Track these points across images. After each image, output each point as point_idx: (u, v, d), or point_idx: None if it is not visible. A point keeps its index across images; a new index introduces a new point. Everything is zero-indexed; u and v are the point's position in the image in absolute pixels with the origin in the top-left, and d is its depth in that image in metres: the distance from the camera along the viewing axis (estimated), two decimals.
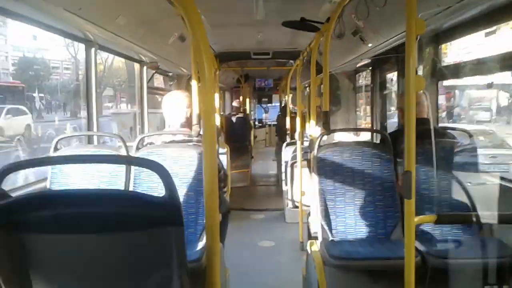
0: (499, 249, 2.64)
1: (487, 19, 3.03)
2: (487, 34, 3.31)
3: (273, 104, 16.40)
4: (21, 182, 3.24)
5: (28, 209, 1.38)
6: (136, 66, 5.04)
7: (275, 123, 11.08)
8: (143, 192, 2.82)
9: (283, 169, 6.74)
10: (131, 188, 2.96)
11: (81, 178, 3.10)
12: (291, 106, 9.62)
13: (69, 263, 1.44)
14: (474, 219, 2.56)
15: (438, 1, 2.63)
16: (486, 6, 2.77)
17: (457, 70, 3.69)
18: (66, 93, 20.90)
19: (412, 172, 1.88)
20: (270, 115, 15.86)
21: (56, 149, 3.19)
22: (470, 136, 3.17)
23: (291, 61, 7.67)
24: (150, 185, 2.90)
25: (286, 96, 10.07)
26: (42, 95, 19.73)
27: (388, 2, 2.84)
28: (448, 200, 3.03)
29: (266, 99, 16.66)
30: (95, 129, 3.70)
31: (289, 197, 6.11)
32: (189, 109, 3.19)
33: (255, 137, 13.99)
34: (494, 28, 3.27)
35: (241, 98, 12.58)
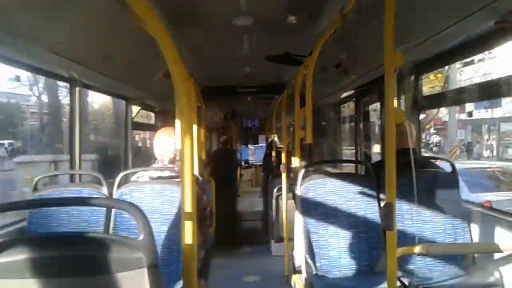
0: (482, 277, 2.61)
1: (465, 49, 3.10)
2: (464, 64, 3.38)
3: (259, 145, 16.46)
4: None
5: (3, 254, 1.34)
6: (122, 102, 5.04)
7: (261, 163, 11.12)
8: (123, 230, 2.78)
9: (269, 202, 6.72)
10: (111, 227, 2.91)
11: (61, 219, 3.04)
12: (277, 142, 9.68)
13: None
14: (458, 250, 2.55)
15: (415, 34, 2.69)
16: (463, 38, 2.84)
17: (437, 100, 3.74)
18: (39, 138, 20.47)
19: (393, 203, 1.87)
20: (256, 157, 15.91)
21: (36, 189, 3.14)
22: (452, 165, 3.19)
23: (277, 96, 7.74)
24: (130, 223, 2.85)
25: (273, 134, 10.12)
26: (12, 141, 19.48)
27: (367, 36, 2.90)
28: (432, 230, 3.01)
29: (253, 140, 16.76)
30: (77, 167, 3.66)
31: (275, 229, 6.06)
32: (174, 145, 3.19)
33: (241, 175, 13.97)
34: (472, 58, 3.34)
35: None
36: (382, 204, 2.98)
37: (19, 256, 1.35)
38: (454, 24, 2.43)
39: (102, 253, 1.38)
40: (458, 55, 3.22)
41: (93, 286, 1.39)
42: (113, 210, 2.95)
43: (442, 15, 2.45)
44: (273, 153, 7.96)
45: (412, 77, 3.85)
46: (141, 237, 1.39)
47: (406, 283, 2.63)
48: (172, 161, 3.23)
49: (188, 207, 1.47)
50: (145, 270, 1.39)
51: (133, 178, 3.32)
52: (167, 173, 3.17)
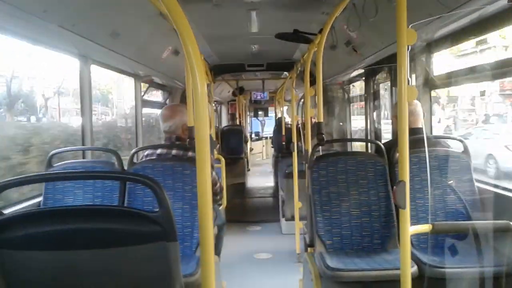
0: (494, 257, 2.63)
1: (478, 28, 3.06)
2: (477, 43, 3.34)
3: (269, 117, 16.42)
4: None
5: (19, 227, 1.38)
6: (131, 80, 5.05)
7: (272, 135, 11.13)
8: (137, 206, 2.82)
9: (279, 181, 6.74)
10: (125, 202, 2.95)
11: (75, 193, 3.10)
12: (286, 117, 9.67)
13: (62, 280, 1.44)
14: (469, 228, 2.57)
15: (428, 11, 2.66)
16: (477, 15, 2.80)
17: (449, 79, 3.71)
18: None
19: (406, 182, 1.89)
20: (267, 128, 15.88)
21: (50, 164, 3.18)
22: (464, 144, 3.19)
23: (286, 72, 7.71)
24: (144, 199, 2.90)
25: (282, 108, 10.10)
26: None
27: (379, 13, 2.87)
28: (443, 209, 3.03)
29: (262, 112, 16.68)
30: (89, 144, 3.70)
31: (286, 208, 6.10)
32: (182, 121, 3.20)
33: (251, 149, 14.01)
34: (485, 36, 3.30)
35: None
36: (394, 182, 3.02)
37: (39, 228, 1.37)
38: (468, 2, 2.40)
39: (122, 225, 1.40)
40: (471, 33, 3.18)
41: (112, 258, 1.42)
42: (127, 186, 2.99)
43: None
44: (283, 131, 7.94)
45: (424, 56, 3.82)
46: (160, 210, 1.41)
47: (418, 262, 2.66)
48: (179, 138, 3.25)
49: (204, 185, 1.48)
50: (164, 243, 1.42)
51: (141, 156, 3.35)
52: (174, 151, 3.20)
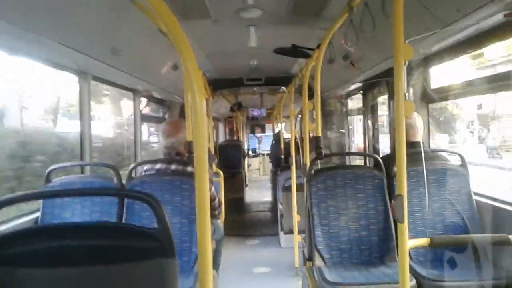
0: (493, 271, 2.63)
1: (475, 42, 3.09)
2: (474, 57, 3.37)
3: (266, 134, 16.44)
4: None
5: (17, 244, 1.38)
6: (130, 95, 5.07)
7: (269, 152, 11.14)
8: (135, 221, 2.82)
9: (278, 194, 6.74)
10: (124, 217, 2.95)
11: (74, 208, 3.09)
12: (284, 133, 9.70)
13: None
14: (468, 241, 2.56)
15: (425, 26, 2.69)
16: (473, 30, 2.83)
17: (446, 93, 3.74)
18: None
19: (404, 195, 1.89)
20: (264, 145, 15.91)
21: (48, 179, 3.18)
22: (462, 158, 3.20)
23: (283, 87, 7.75)
24: (142, 213, 2.89)
25: (280, 124, 10.14)
26: None
27: (376, 28, 2.90)
28: (442, 222, 3.03)
29: (259, 129, 16.72)
30: (87, 159, 3.70)
31: (284, 222, 6.09)
32: (184, 137, 3.21)
33: (248, 165, 14.01)
34: (482, 50, 3.33)
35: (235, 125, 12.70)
36: (392, 196, 3.02)
37: (36, 245, 1.37)
38: (464, 17, 2.43)
39: (120, 242, 1.40)
40: (468, 48, 3.21)
41: (110, 274, 1.42)
42: (125, 201, 2.99)
43: (452, 7, 2.45)
44: (281, 145, 7.96)
45: (421, 70, 3.85)
46: (158, 226, 1.41)
47: (417, 276, 2.65)
48: (179, 153, 3.26)
49: (202, 200, 1.49)
50: (163, 259, 1.42)
51: (140, 171, 3.35)
52: (173, 166, 3.20)
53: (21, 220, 3.04)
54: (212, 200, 3.13)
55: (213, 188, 3.20)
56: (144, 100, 5.43)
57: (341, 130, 7.11)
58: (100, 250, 1.40)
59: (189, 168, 3.11)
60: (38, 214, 3.12)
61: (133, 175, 3.22)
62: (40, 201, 3.12)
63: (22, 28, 2.33)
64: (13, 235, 1.41)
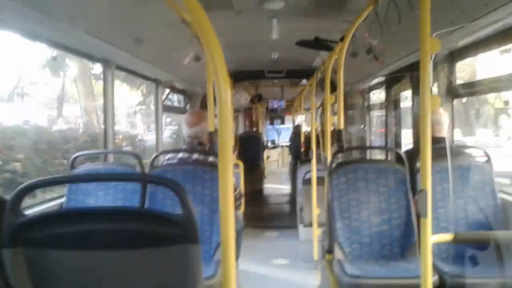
0: None
1: (502, 37, 3.04)
2: (502, 52, 3.31)
3: (285, 125, 16.36)
4: None
5: (43, 227, 1.41)
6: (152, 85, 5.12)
7: (288, 144, 11.10)
8: (157, 209, 2.86)
9: (297, 187, 6.74)
10: (146, 205, 2.99)
11: (97, 195, 3.15)
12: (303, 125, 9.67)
13: (84, 280, 1.46)
14: (491, 238, 2.53)
15: (452, 20, 2.65)
16: (501, 24, 2.78)
17: (472, 88, 3.68)
18: None
19: (428, 190, 1.88)
20: (282, 137, 15.87)
21: (73, 166, 3.24)
22: (487, 155, 3.15)
23: (304, 80, 7.71)
24: (165, 202, 2.93)
25: (300, 116, 10.10)
26: None
27: (401, 21, 2.86)
28: (465, 219, 3.00)
29: (279, 120, 16.66)
30: (110, 147, 3.76)
31: (304, 214, 6.09)
32: (207, 127, 3.24)
33: (267, 157, 14.01)
34: (509, 46, 3.26)
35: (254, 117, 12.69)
36: (415, 191, 3.00)
37: (63, 228, 1.40)
38: (491, 11, 2.38)
39: (145, 227, 1.42)
40: (495, 43, 3.16)
41: (134, 259, 1.44)
42: (148, 189, 3.03)
43: (479, 2, 2.41)
44: (301, 138, 7.94)
45: (447, 64, 3.79)
46: (183, 213, 1.43)
47: (439, 271, 2.63)
48: (201, 143, 3.28)
49: (226, 190, 1.50)
50: (186, 245, 1.43)
51: (163, 160, 3.39)
52: (195, 155, 3.22)
53: (46, 205, 3.11)
54: (233, 191, 3.14)
55: (233, 179, 3.21)
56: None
57: (362, 126, 7.06)
58: (126, 234, 1.42)
59: (211, 158, 3.13)
60: (62, 200, 3.19)
61: (155, 164, 3.26)
62: (65, 188, 3.19)
63: (47, 16, 2.37)
64: (42, 218, 1.45)
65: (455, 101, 3.90)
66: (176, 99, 6.89)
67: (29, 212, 2.77)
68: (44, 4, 2.28)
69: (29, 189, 1.44)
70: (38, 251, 1.42)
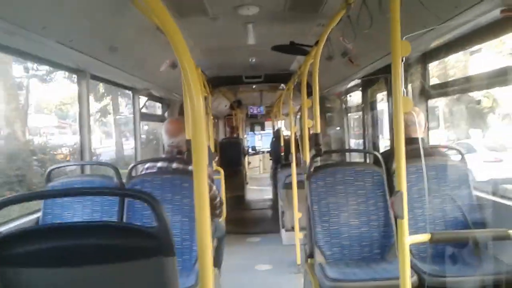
0: (494, 266, 2.64)
1: (472, 38, 3.10)
2: (472, 53, 3.37)
3: (266, 132, 16.41)
4: None
5: (19, 244, 1.38)
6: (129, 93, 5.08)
7: (269, 150, 11.14)
8: (136, 220, 2.83)
9: (278, 191, 6.75)
10: (124, 217, 2.96)
11: (75, 208, 3.10)
12: (283, 130, 9.71)
13: None
14: (468, 236, 2.57)
15: (423, 23, 2.69)
16: (471, 26, 2.84)
17: (445, 89, 3.74)
18: None
19: (404, 191, 1.90)
20: (263, 143, 15.90)
21: (48, 180, 3.19)
22: (461, 153, 3.20)
23: (283, 84, 7.75)
24: (143, 213, 2.90)
25: (279, 121, 10.15)
26: None
27: (373, 25, 2.90)
28: (442, 218, 3.04)
29: (259, 127, 16.71)
30: (87, 158, 3.71)
31: (285, 219, 6.10)
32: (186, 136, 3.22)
33: (249, 163, 14.02)
34: (479, 46, 3.33)
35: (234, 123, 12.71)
36: (392, 192, 3.03)
37: (38, 245, 1.38)
38: (461, 13, 2.43)
39: (120, 241, 1.41)
40: (465, 44, 3.22)
41: (111, 273, 1.42)
42: (126, 200, 3.00)
43: (449, 4, 2.45)
44: (281, 142, 7.97)
45: (419, 66, 3.85)
46: (158, 225, 1.42)
47: (418, 271, 2.66)
48: (180, 151, 3.26)
49: (201, 197, 1.49)
50: (162, 258, 1.42)
51: (142, 169, 3.36)
52: (175, 164, 3.21)
53: (22, 220, 3.05)
54: (214, 199, 3.13)
55: (214, 187, 3.20)
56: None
57: (338, 128, 7.12)
58: (100, 249, 1.40)
59: (191, 167, 3.11)
60: (39, 214, 3.13)
61: (133, 174, 3.23)
62: (41, 202, 3.13)
63: (19, 26, 2.33)
64: (15, 235, 1.42)
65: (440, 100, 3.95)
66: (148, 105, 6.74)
67: (3, 228, 2.72)
68: (15, 14, 2.24)
69: (4, 205, 1.41)
70: (12, 270, 1.39)
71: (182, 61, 1.47)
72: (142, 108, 5.28)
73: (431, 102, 4.09)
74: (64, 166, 3.49)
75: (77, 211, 3.09)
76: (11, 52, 3.01)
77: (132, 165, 3.28)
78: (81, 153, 3.70)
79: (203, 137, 1.49)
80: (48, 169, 3.22)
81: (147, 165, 3.32)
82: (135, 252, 1.42)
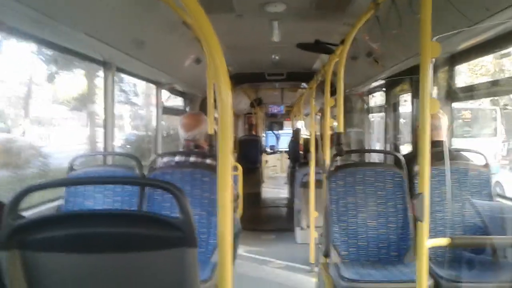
0: None
1: (502, 41, 3.04)
2: (502, 56, 3.32)
3: (284, 130, 16.34)
4: None
5: (40, 230, 1.41)
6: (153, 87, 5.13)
7: (287, 149, 11.12)
8: (155, 211, 2.86)
9: (295, 190, 6.74)
10: (144, 207, 2.99)
11: (95, 197, 3.14)
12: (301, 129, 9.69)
13: (82, 283, 1.46)
14: (488, 242, 2.53)
15: (453, 24, 2.65)
16: (502, 28, 2.79)
17: (471, 92, 3.68)
18: None
19: (426, 194, 1.88)
20: (281, 143, 15.85)
21: (71, 168, 3.24)
22: (485, 158, 3.15)
23: (304, 83, 7.72)
24: (163, 204, 2.93)
25: (299, 121, 10.13)
26: None
27: (402, 25, 2.87)
28: (462, 223, 3.00)
29: (278, 126, 16.65)
30: (110, 149, 3.76)
31: (301, 217, 6.09)
32: (205, 130, 3.23)
33: (266, 161, 14.01)
34: (509, 50, 3.27)
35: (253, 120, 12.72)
36: (413, 195, 3.00)
37: (60, 231, 1.40)
38: (492, 15, 2.39)
39: (143, 230, 1.42)
40: (495, 47, 3.16)
41: (132, 262, 1.44)
42: (146, 192, 3.03)
43: (480, 6, 2.41)
44: (300, 141, 7.95)
45: (446, 68, 3.80)
46: (182, 216, 1.43)
47: (435, 275, 2.63)
48: (197, 146, 3.28)
49: (225, 192, 1.50)
50: (184, 249, 1.43)
51: (160, 162, 3.39)
52: (192, 158, 3.22)
53: (44, 207, 3.11)
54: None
55: (231, 182, 3.21)
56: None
57: (360, 129, 7.07)
58: (124, 237, 1.42)
59: (208, 161, 3.13)
60: (61, 201, 3.18)
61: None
62: (63, 190, 3.19)
63: (47, 16, 2.37)
64: (40, 221, 1.45)
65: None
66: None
67: (27, 213, 2.77)
68: (44, 5, 2.27)
69: (28, 192, 1.45)
70: (35, 254, 1.42)
71: (214, 57, 1.47)
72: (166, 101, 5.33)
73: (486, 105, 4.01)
74: (87, 156, 3.53)
75: (98, 200, 3.13)
76: (39, 42, 3.07)
77: (153, 156, 3.31)
78: (104, 143, 3.75)
79: (230, 132, 1.50)
80: (71, 159, 3.27)
81: (165, 159, 3.34)
82: (158, 241, 1.43)
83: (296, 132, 9.34)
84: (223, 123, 1.49)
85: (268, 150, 14.91)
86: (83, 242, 1.42)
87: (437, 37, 1.91)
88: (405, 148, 5.17)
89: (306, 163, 6.08)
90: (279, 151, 15.60)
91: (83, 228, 1.41)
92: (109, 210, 2.23)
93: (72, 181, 2.20)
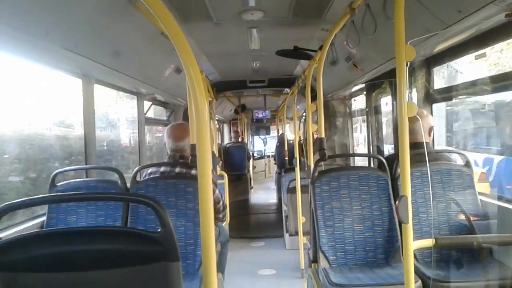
0: (499, 271, 2.62)
1: (476, 42, 3.09)
2: (477, 57, 3.37)
3: (271, 135, 16.41)
4: None
5: (23, 249, 1.39)
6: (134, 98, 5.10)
7: (274, 154, 11.15)
8: (140, 225, 2.83)
9: (282, 196, 6.75)
10: (128, 221, 2.96)
11: (79, 213, 3.10)
12: (288, 134, 9.71)
13: None
14: (473, 241, 2.56)
15: (427, 27, 2.69)
16: (475, 30, 2.83)
17: (449, 93, 3.73)
18: None
19: (408, 196, 1.89)
20: (268, 147, 15.90)
21: (53, 183, 3.20)
22: (466, 158, 3.19)
23: (287, 89, 7.76)
24: (147, 217, 2.90)
25: (286, 125, 10.18)
26: None
27: (377, 30, 2.90)
28: (448, 223, 3.03)
29: (264, 131, 16.71)
30: (92, 162, 3.72)
31: (289, 223, 6.09)
32: (190, 140, 3.22)
33: (254, 167, 14.02)
34: (484, 50, 3.32)
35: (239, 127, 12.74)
36: (396, 197, 3.02)
37: (42, 250, 1.39)
38: (465, 17, 2.43)
39: (124, 246, 1.41)
40: (470, 48, 3.21)
41: (115, 278, 1.43)
42: (130, 205, 3.00)
43: (453, 8, 2.45)
44: (285, 147, 7.97)
45: (424, 70, 3.85)
46: (162, 230, 1.42)
47: (423, 276, 2.65)
48: (183, 156, 3.26)
49: (206, 202, 1.49)
50: (166, 263, 1.42)
51: (145, 173, 3.36)
52: (177, 169, 3.21)
53: (28, 224, 3.06)
54: (217, 203, 3.13)
55: (217, 191, 3.20)
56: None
57: (341, 133, 7.11)
58: (104, 254, 1.41)
59: (193, 171, 3.11)
60: (43, 218, 3.14)
61: (137, 178, 3.23)
62: (46, 206, 3.14)
63: (24, 33, 2.35)
64: (20, 241, 1.43)
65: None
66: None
67: (8, 232, 2.72)
68: (18, 21, 2.25)
69: (8, 211, 1.42)
70: (14, 275, 1.40)
71: (187, 66, 1.47)
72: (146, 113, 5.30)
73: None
74: (68, 170, 3.49)
75: (81, 216, 3.10)
76: (17, 56, 3.03)
77: (136, 169, 3.28)
78: (86, 157, 3.72)
79: (207, 142, 1.49)
80: (53, 173, 3.23)
81: (150, 170, 3.32)
82: (139, 257, 1.42)
83: (281, 137, 9.34)
84: (200, 133, 1.49)
85: (256, 155, 14.91)
86: (63, 261, 1.40)
87: (412, 40, 1.93)
88: (389, 150, 5.21)
89: (292, 169, 6.10)
90: (266, 155, 15.63)
91: (62, 247, 1.40)
92: (86, 227, 2.21)
93: (53, 198, 2.17)
